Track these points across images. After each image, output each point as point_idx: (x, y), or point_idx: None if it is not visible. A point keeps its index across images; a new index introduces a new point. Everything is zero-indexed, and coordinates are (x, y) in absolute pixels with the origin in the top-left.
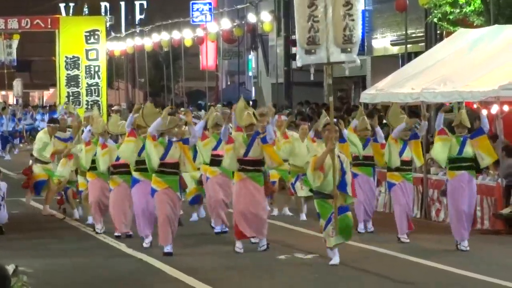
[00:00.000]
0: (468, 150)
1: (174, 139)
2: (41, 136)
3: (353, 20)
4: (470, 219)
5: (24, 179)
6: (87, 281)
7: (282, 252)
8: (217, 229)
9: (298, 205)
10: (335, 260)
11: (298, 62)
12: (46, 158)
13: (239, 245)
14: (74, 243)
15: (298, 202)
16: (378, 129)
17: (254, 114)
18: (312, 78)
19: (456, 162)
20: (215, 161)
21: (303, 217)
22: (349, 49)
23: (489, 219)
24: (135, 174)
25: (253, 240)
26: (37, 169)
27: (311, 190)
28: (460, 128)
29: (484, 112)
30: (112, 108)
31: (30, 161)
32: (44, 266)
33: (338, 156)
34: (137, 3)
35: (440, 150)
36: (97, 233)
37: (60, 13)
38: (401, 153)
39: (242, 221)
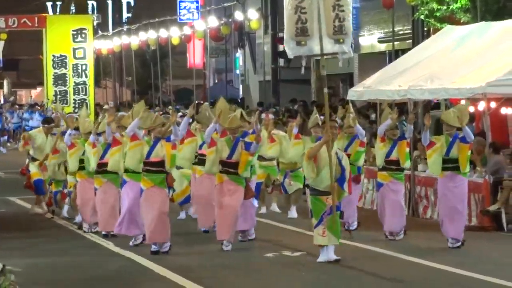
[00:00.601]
0: (455, 152)
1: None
2: (36, 134)
3: (343, 11)
4: (461, 217)
5: (25, 180)
6: (75, 280)
7: (270, 250)
8: (205, 228)
9: (286, 203)
10: (322, 257)
11: (289, 54)
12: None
13: (226, 243)
14: (62, 242)
15: (287, 200)
16: (357, 126)
17: (242, 113)
18: (302, 71)
19: (443, 163)
20: (202, 160)
21: (292, 214)
22: (341, 40)
23: (477, 216)
24: (124, 176)
25: (240, 238)
26: (33, 168)
27: (307, 186)
28: (446, 125)
29: (471, 108)
30: (104, 108)
31: (27, 160)
32: (32, 265)
33: (336, 153)
34: (124, 2)
35: (433, 164)
36: (84, 232)
37: (47, 12)
38: (389, 153)
39: (219, 222)
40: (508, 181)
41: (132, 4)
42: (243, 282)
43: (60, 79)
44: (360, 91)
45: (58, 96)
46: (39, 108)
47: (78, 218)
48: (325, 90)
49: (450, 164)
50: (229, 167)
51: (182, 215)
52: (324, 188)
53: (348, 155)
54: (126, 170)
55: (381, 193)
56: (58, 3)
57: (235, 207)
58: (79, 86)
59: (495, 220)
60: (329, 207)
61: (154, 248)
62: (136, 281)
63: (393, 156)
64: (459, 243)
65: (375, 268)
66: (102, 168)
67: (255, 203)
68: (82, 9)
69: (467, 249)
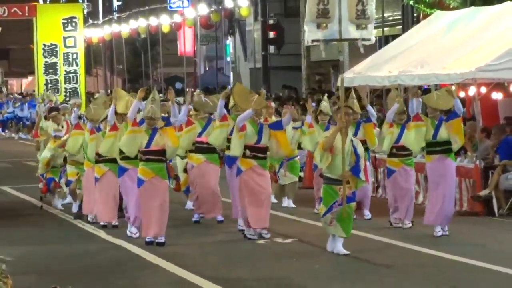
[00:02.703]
0: (443, 134)
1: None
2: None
3: None
4: (450, 203)
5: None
6: (66, 269)
7: (261, 237)
8: (196, 217)
9: (280, 191)
10: (329, 246)
11: (307, 37)
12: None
13: (265, 231)
14: (53, 231)
15: (281, 188)
16: (369, 107)
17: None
18: (323, 55)
19: (431, 146)
20: (200, 148)
21: (285, 203)
22: (363, 25)
23: (468, 201)
24: (122, 163)
25: (240, 228)
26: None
27: (321, 176)
28: (429, 109)
29: (461, 94)
30: (95, 97)
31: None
32: (24, 254)
33: (352, 140)
34: None
35: (413, 139)
36: (89, 222)
37: (38, 1)
38: (398, 139)
39: (251, 211)
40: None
41: None
42: (234, 269)
43: (51, 68)
44: (350, 77)
45: (49, 85)
46: (29, 97)
47: (74, 208)
48: (341, 76)
49: (438, 147)
50: (258, 152)
51: (189, 205)
52: (338, 177)
53: (363, 141)
54: (124, 158)
55: (393, 180)
56: None
57: (269, 192)
58: (70, 75)
59: (486, 205)
60: (341, 197)
61: (149, 238)
62: (128, 269)
63: (402, 142)
64: (446, 230)
65: (368, 255)
66: (103, 157)
67: None
68: None
69: (459, 235)
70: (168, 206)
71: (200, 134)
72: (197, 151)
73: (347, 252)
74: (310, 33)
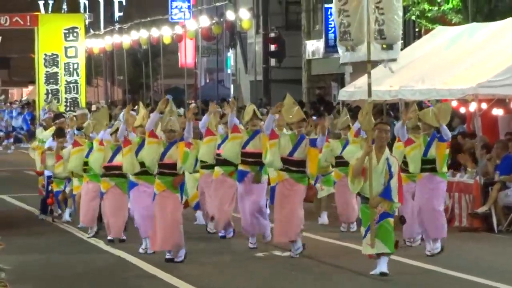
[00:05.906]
0: (433, 152)
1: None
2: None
3: (382, 14)
4: (440, 216)
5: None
6: (65, 277)
7: (260, 249)
8: (222, 233)
9: (317, 208)
10: (380, 268)
11: (340, 60)
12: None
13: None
14: (51, 240)
15: (317, 205)
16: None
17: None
18: (348, 79)
19: (421, 164)
20: (220, 160)
21: (322, 220)
22: (384, 46)
23: (467, 217)
24: (132, 178)
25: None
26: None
27: (358, 194)
28: (423, 125)
29: (462, 109)
30: (93, 109)
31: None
32: (22, 262)
33: (387, 159)
34: (116, 1)
35: (413, 162)
36: (87, 237)
37: (39, 10)
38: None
39: (276, 225)
40: (497, 182)
41: (124, 3)
42: (232, 281)
43: (52, 78)
44: (351, 92)
45: (50, 95)
46: (28, 107)
47: (81, 224)
48: (370, 99)
49: (428, 165)
50: (290, 164)
51: (199, 220)
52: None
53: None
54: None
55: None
56: (50, 1)
57: (295, 208)
58: (71, 85)
59: (486, 221)
60: (379, 214)
61: (168, 256)
62: (125, 278)
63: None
64: (439, 249)
65: (366, 268)
66: (110, 171)
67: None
68: (74, 8)
69: (458, 250)
70: (180, 222)
71: (219, 146)
72: (216, 164)
73: (387, 272)
74: (341, 56)
